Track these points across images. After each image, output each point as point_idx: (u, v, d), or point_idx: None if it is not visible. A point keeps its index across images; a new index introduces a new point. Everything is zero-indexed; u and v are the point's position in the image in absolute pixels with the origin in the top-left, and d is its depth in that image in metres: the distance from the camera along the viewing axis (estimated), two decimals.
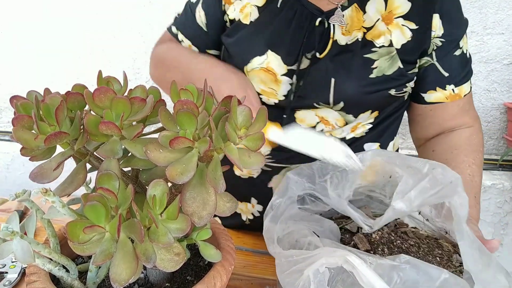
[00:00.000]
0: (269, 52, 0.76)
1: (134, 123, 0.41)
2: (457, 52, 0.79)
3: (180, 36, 0.88)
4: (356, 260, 0.44)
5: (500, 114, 1.65)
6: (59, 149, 0.41)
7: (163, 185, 0.37)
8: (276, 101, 0.79)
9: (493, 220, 1.65)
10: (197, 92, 0.41)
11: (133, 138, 0.39)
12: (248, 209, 0.91)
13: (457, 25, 0.77)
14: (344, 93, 0.75)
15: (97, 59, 1.86)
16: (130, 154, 0.42)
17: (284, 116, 0.79)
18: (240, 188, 0.87)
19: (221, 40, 0.85)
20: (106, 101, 0.38)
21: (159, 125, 0.41)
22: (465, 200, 0.54)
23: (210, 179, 0.37)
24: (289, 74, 0.76)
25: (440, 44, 0.77)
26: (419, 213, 0.66)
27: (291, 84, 0.77)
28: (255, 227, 0.90)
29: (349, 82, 0.74)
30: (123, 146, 0.40)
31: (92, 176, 0.42)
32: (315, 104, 0.77)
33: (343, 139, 0.80)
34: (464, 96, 0.81)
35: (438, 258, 0.57)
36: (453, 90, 0.80)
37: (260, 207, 0.88)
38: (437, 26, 0.75)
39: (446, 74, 0.79)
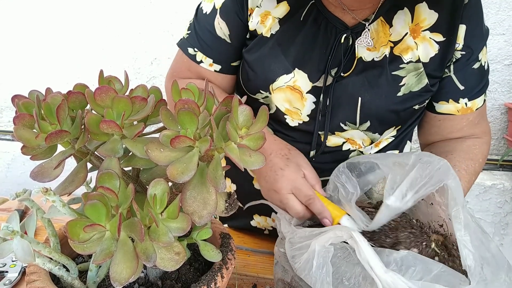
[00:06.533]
0: (296, 70, 0.74)
1: (135, 122, 0.41)
2: (476, 65, 0.75)
3: (199, 56, 0.81)
4: (360, 237, 0.49)
5: (501, 114, 1.65)
6: (60, 148, 0.41)
7: (164, 184, 0.37)
8: (300, 122, 0.77)
9: (494, 220, 1.66)
10: (198, 92, 0.41)
11: (134, 137, 0.39)
12: (267, 223, 0.90)
13: (478, 38, 0.73)
14: (371, 112, 0.73)
15: (98, 59, 1.86)
16: (130, 153, 0.42)
17: (312, 140, 0.77)
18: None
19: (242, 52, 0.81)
20: (107, 100, 0.38)
21: (160, 125, 0.41)
22: (458, 183, 0.54)
23: (211, 179, 0.37)
24: (312, 91, 0.74)
25: (459, 56, 0.73)
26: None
27: (314, 103, 0.75)
28: (276, 235, 0.90)
29: (377, 102, 0.72)
30: (124, 145, 0.40)
31: (93, 175, 0.42)
32: (341, 125, 0.75)
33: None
34: (476, 109, 0.78)
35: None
36: (466, 104, 0.77)
37: None
38: (461, 38, 0.71)
39: (462, 88, 0.75)
